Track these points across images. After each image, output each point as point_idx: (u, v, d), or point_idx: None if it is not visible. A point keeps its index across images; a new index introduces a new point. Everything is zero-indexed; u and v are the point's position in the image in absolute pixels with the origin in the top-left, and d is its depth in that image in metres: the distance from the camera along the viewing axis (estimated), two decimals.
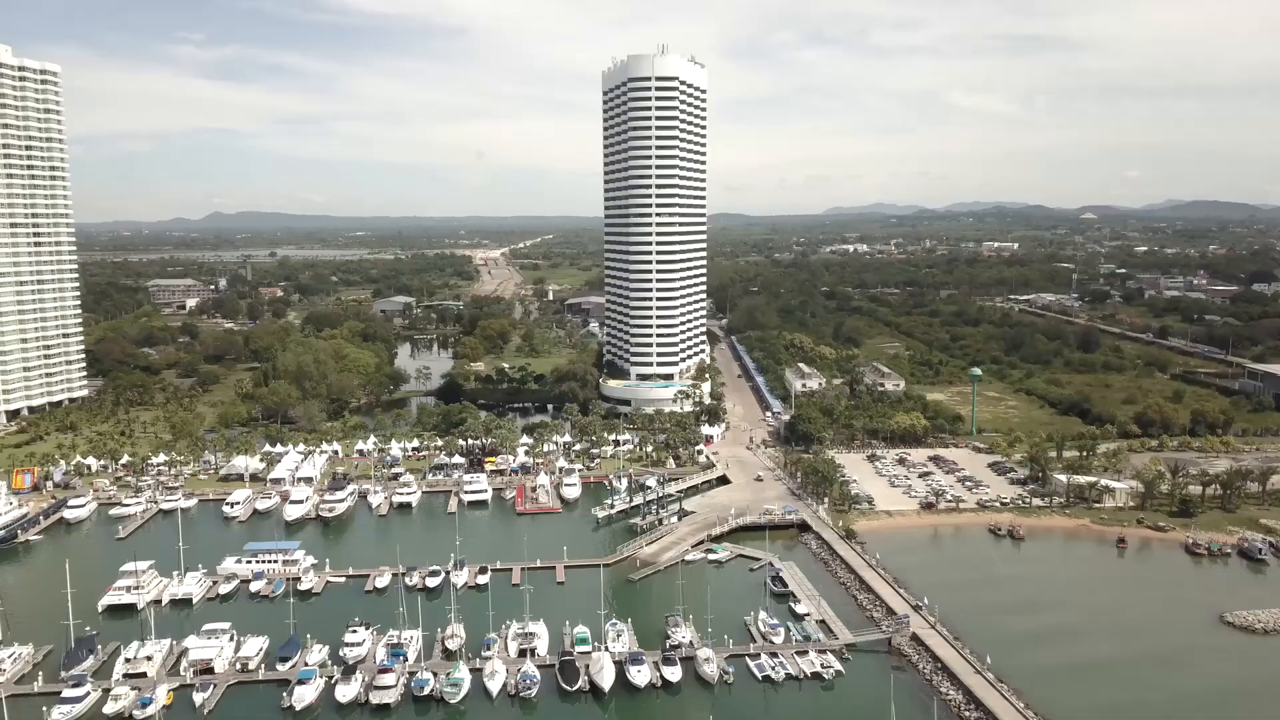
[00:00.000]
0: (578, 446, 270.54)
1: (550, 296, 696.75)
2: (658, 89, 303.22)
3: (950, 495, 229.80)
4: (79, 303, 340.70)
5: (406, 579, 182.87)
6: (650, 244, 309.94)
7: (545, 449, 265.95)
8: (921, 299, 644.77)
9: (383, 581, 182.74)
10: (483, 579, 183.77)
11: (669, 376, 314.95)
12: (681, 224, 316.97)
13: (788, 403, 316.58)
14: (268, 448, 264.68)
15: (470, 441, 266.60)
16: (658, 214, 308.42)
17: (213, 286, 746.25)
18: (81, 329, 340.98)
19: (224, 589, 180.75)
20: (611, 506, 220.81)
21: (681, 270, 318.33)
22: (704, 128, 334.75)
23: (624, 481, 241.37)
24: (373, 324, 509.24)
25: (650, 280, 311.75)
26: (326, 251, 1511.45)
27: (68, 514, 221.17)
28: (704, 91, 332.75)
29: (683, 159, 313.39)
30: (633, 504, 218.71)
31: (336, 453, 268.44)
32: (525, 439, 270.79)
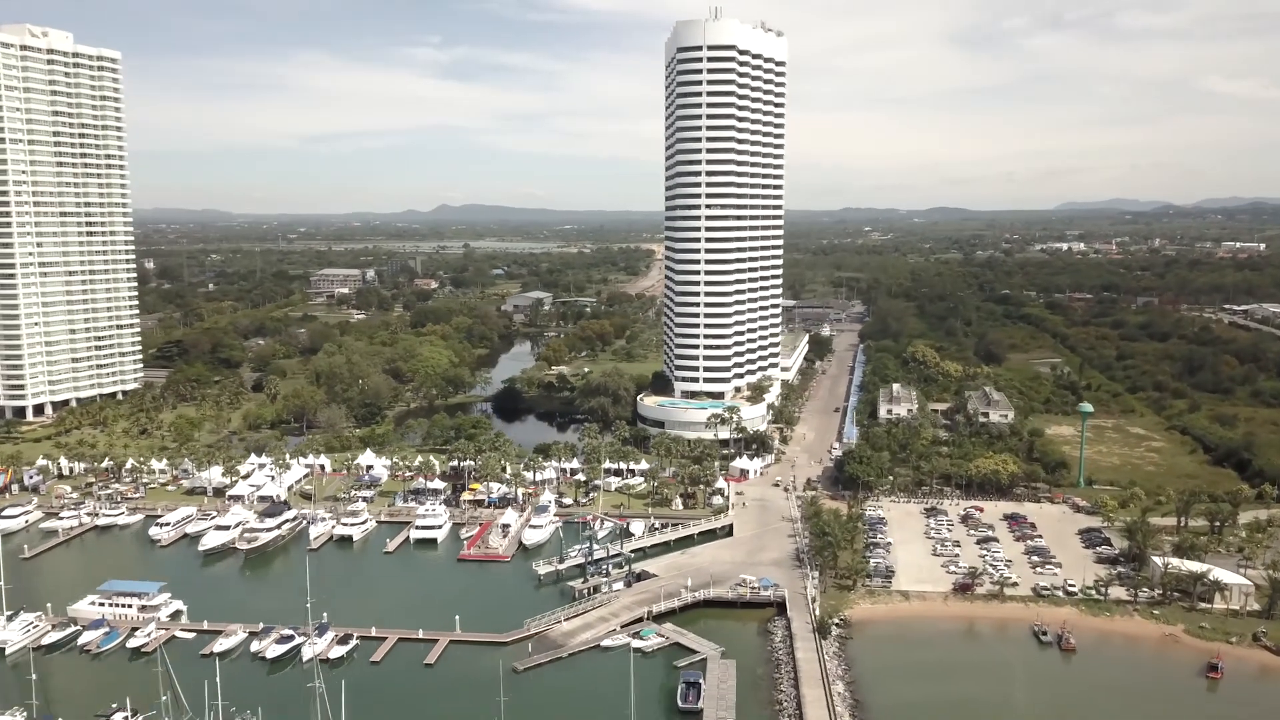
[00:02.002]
0: (581, 476, 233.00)
1: None
2: (711, 60, 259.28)
3: (1002, 574, 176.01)
4: (135, 293, 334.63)
5: (257, 641, 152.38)
6: (698, 240, 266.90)
7: (539, 477, 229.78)
8: (1112, 307, 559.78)
9: (227, 643, 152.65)
10: (339, 650, 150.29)
11: (719, 395, 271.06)
12: (739, 217, 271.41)
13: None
14: (254, 458, 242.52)
15: (461, 463, 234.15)
16: (708, 205, 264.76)
17: (366, 277, 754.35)
18: (137, 320, 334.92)
19: (52, 638, 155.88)
20: (560, 561, 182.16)
21: (737, 270, 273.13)
22: (779, 106, 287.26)
23: (600, 525, 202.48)
24: (482, 321, 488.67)
25: (696, 281, 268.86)
26: (525, 244, 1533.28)
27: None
28: (781, 64, 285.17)
29: (742, 141, 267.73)
30: (586, 559, 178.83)
31: (323, 467, 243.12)
32: (542, 461, 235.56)
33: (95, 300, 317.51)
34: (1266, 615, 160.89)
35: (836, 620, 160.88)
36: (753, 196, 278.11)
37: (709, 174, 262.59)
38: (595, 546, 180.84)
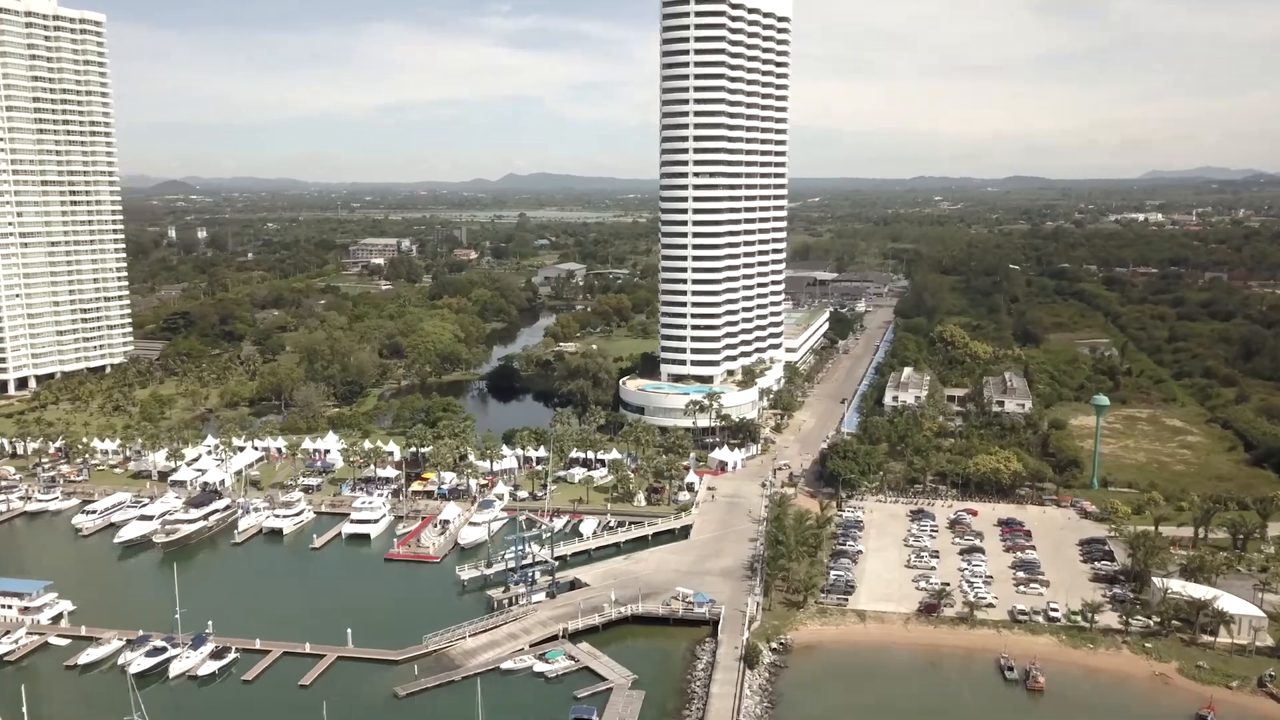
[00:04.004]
0: (542, 467, 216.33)
1: None
2: (699, 14, 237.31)
3: (977, 593, 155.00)
4: (123, 265, 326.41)
5: (128, 652, 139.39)
6: (685, 212, 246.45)
7: (498, 467, 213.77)
8: (1175, 282, 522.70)
9: (96, 654, 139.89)
10: (211, 665, 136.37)
11: (707, 379, 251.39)
12: (731, 187, 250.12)
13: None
14: (210, 440, 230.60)
15: (421, 449, 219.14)
16: (695, 175, 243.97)
17: (400, 247, 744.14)
18: (125, 292, 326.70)
19: None
20: (489, 565, 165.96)
21: (729, 245, 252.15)
22: (781, 66, 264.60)
23: (548, 522, 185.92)
24: (503, 294, 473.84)
25: (683, 257, 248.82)
26: (584, 213, 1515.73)
27: None
28: (784, 20, 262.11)
29: (735, 105, 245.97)
30: (515, 565, 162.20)
31: (280, 451, 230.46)
32: (503, 449, 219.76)
33: (80, 272, 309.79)
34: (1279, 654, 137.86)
35: (774, 645, 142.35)
36: (749, 164, 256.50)
37: (697, 139, 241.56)
38: (523, 550, 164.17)
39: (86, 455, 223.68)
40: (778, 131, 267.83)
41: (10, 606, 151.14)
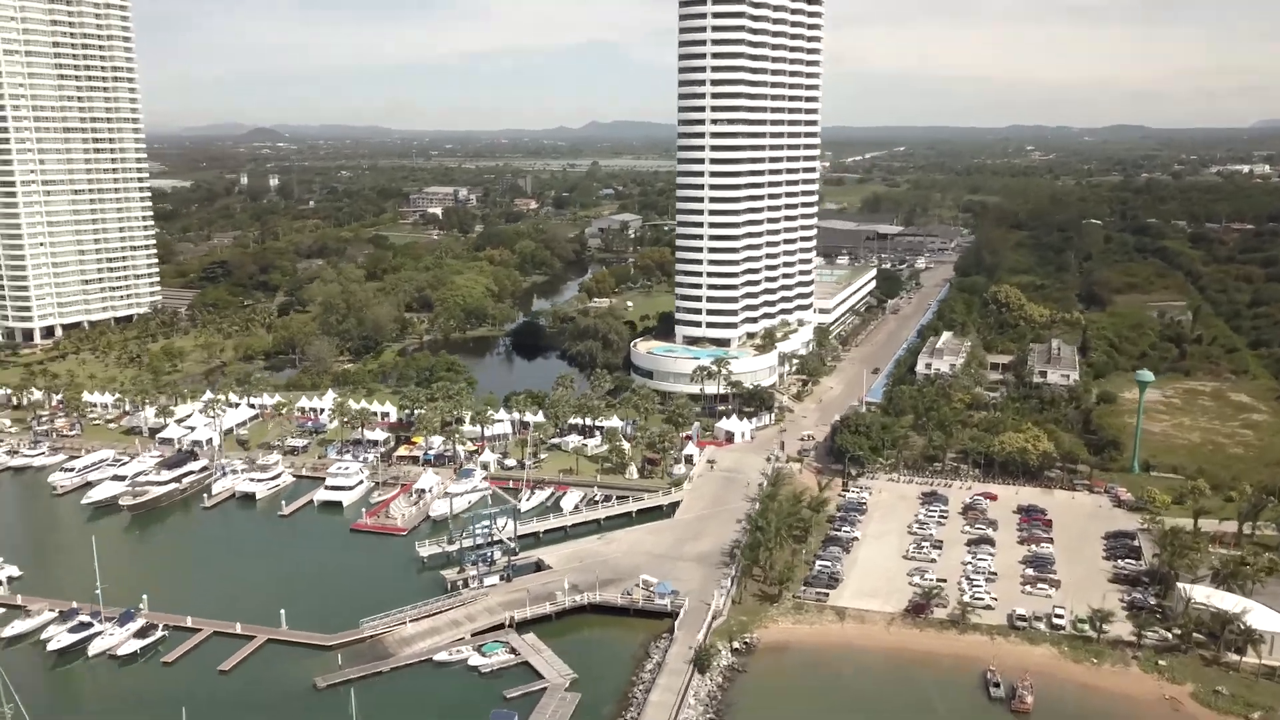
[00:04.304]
0: (530, 435, 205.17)
1: None
2: None
3: (975, 592, 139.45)
4: (149, 213, 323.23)
5: (55, 625, 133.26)
6: (701, 161, 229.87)
7: (491, 432, 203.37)
8: (1271, 240, 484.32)
9: (23, 626, 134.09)
10: (134, 644, 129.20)
11: (723, 342, 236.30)
12: (753, 134, 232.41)
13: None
14: (209, 395, 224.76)
15: (415, 411, 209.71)
16: (713, 120, 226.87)
17: (458, 196, 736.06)
18: (152, 240, 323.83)
19: None
20: (450, 542, 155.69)
21: (750, 198, 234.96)
22: (814, 5, 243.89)
23: (529, 495, 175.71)
24: (548, 245, 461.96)
25: (700, 210, 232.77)
26: (659, 162, 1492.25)
27: None
28: None
29: (757, 46, 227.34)
30: (473, 544, 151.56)
31: (275, 409, 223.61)
32: (497, 414, 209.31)
33: (105, 220, 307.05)
34: None
35: (736, 645, 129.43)
36: (775, 112, 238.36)
37: (715, 82, 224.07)
38: (489, 527, 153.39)
39: (81, 409, 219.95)
40: (809, 75, 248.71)
41: None
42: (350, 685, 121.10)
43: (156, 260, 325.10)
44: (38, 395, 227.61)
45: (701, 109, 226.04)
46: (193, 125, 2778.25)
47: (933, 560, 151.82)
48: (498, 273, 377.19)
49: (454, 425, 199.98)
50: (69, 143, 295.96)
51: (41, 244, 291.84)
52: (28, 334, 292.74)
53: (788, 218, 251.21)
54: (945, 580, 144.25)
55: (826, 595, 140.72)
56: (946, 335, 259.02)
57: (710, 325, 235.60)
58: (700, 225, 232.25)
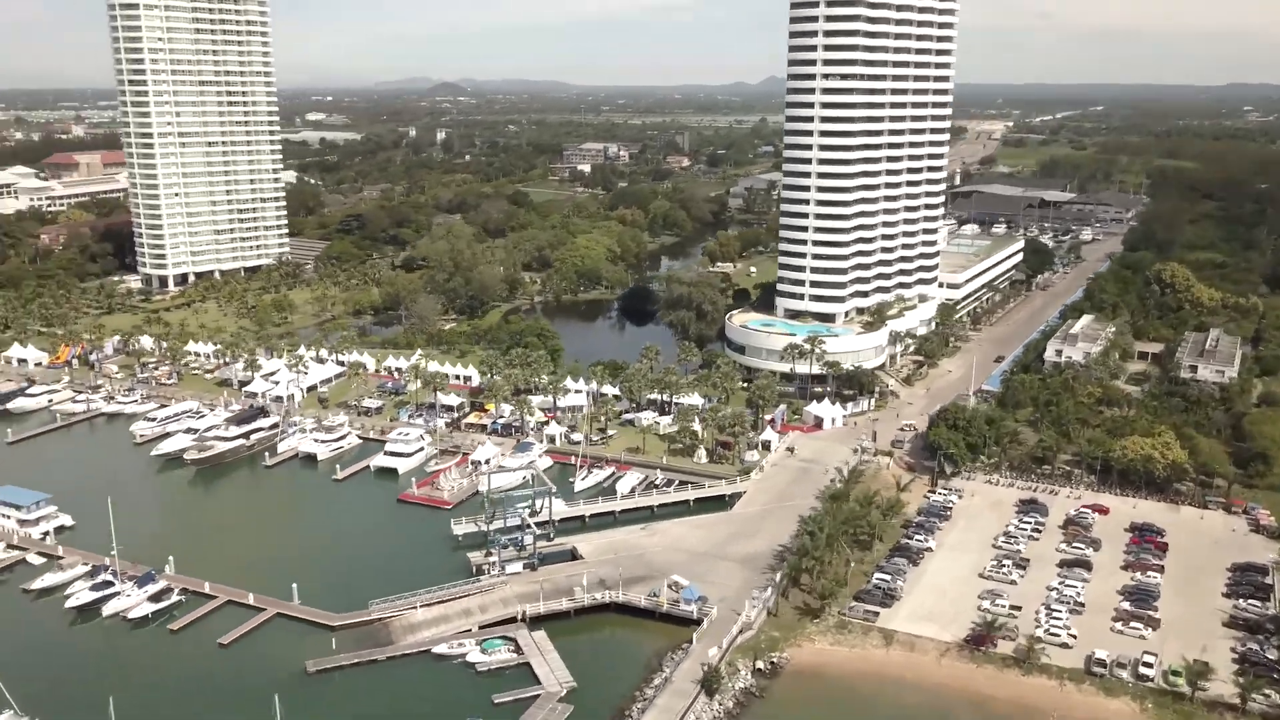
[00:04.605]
0: (619, 408, 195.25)
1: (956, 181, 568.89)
2: None
3: (1050, 626, 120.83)
4: (279, 165, 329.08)
5: (81, 581, 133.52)
6: (810, 119, 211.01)
7: (564, 403, 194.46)
8: None
9: (53, 579, 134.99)
10: (148, 608, 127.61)
11: (827, 318, 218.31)
12: (871, 90, 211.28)
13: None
14: (300, 351, 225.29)
15: (490, 376, 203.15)
16: (824, 74, 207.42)
17: (607, 153, 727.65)
18: (281, 192, 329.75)
19: None
20: (490, 521, 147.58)
21: (864, 160, 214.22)
22: None
23: (585, 473, 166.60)
24: (684, 206, 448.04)
25: (807, 173, 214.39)
26: None
27: (18, 403, 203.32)
28: None
29: None
30: (505, 525, 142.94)
31: (365, 366, 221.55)
32: (574, 383, 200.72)
33: (236, 172, 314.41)
34: None
35: (760, 665, 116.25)
36: (897, 64, 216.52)
37: (828, 33, 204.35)
38: (529, 507, 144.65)
39: (181, 359, 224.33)
40: (940, 27, 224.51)
41: (9, 516, 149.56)
42: (343, 671, 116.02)
43: (285, 212, 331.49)
44: (147, 343, 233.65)
45: (812, 61, 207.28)
46: (386, 80, 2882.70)
47: (1012, 582, 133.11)
48: (623, 233, 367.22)
49: (524, 395, 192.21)
50: (204, 96, 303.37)
51: (176, 194, 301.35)
52: (163, 281, 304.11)
53: (910, 182, 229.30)
54: (1020, 608, 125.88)
55: (876, 615, 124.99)
56: (1087, 319, 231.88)
57: (814, 298, 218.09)
58: (806, 189, 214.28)
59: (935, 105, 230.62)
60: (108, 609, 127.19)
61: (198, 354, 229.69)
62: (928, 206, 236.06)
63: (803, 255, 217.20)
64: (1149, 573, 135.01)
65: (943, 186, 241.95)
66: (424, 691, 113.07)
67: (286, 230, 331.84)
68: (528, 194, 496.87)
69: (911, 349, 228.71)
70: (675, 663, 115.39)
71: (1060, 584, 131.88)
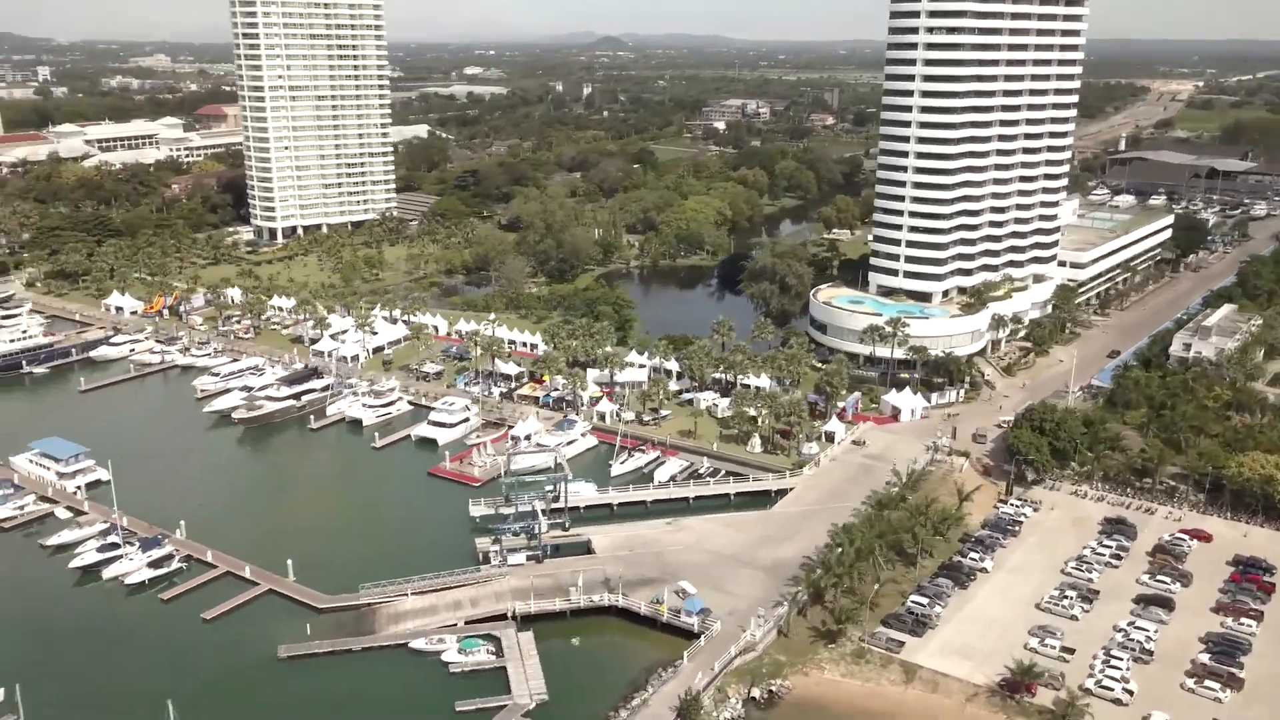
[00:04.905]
0: (675, 385, 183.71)
1: (1121, 148, 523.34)
2: None
3: (1107, 676, 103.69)
4: (387, 120, 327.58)
5: (94, 540, 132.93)
6: (912, 77, 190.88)
7: (620, 379, 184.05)
8: None
9: (68, 536, 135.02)
10: (147, 574, 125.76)
11: (923, 297, 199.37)
12: (983, 47, 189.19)
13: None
14: (375, 311, 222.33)
15: (551, 346, 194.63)
16: (928, 27, 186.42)
17: (745, 110, 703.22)
18: (389, 147, 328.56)
19: None
20: (508, 503, 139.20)
21: (972, 124, 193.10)
22: None
23: (623, 457, 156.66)
24: (812, 168, 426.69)
25: (905, 136, 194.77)
26: None
27: (101, 351, 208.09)
28: None
29: None
30: (518, 511, 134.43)
31: (436, 329, 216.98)
32: (637, 358, 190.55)
33: (345, 126, 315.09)
34: None
35: (756, 693, 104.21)
36: (1015, 17, 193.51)
37: None
38: (549, 492, 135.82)
39: (262, 313, 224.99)
40: None
41: (49, 468, 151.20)
42: (316, 659, 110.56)
43: (392, 167, 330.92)
44: (235, 295, 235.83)
45: (915, 13, 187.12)
46: (551, 33, 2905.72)
47: (1073, 617, 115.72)
48: (738, 195, 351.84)
49: (581, 368, 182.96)
50: (314, 49, 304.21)
51: (286, 148, 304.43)
52: (272, 233, 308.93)
53: (1028, 149, 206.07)
54: (1074, 650, 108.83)
55: (902, 645, 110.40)
56: (1228, 308, 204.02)
57: (909, 275, 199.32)
58: (904, 154, 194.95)
59: (1061, 64, 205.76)
60: (108, 572, 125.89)
61: (280, 309, 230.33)
62: (1048, 176, 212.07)
63: (898, 228, 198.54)
64: (1243, 619, 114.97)
65: (1067, 154, 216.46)
66: (390, 689, 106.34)
67: (393, 185, 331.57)
68: (653, 152, 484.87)
69: (1021, 334, 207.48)
70: (660, 682, 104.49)
71: (1130, 624, 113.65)
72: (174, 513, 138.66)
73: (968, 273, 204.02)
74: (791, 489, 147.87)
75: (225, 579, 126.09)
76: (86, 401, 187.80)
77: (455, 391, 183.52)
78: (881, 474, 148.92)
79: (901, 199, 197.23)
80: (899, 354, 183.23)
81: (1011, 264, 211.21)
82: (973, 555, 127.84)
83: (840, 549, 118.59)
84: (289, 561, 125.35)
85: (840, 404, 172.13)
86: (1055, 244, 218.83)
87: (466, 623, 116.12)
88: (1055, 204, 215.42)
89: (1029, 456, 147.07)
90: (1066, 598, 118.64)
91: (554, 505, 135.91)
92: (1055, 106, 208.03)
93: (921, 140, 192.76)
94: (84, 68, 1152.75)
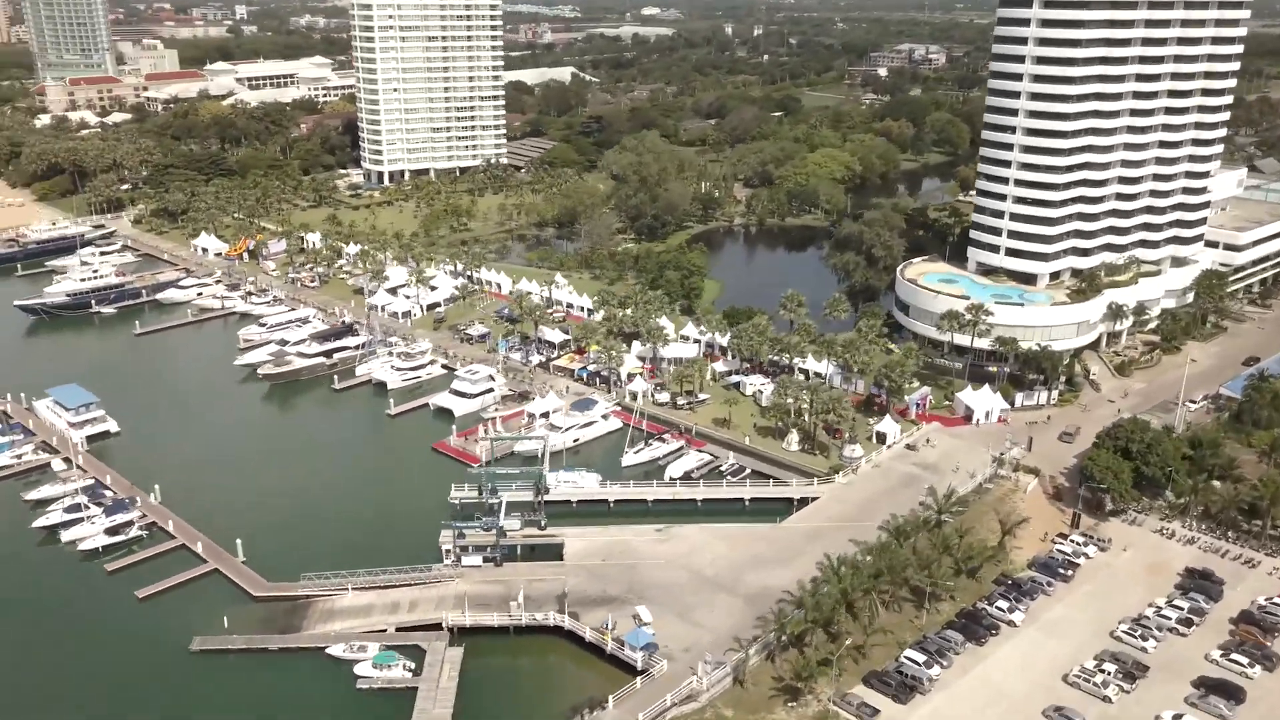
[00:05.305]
0: (719, 366, 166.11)
1: None
2: None
3: None
4: (499, 63, 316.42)
5: (64, 499, 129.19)
6: (1027, 21, 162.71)
7: (667, 354, 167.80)
8: None
9: (46, 491, 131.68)
10: (101, 540, 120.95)
11: (1028, 279, 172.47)
12: (1110, 3, 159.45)
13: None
14: (437, 267, 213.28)
15: (608, 313, 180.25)
16: None
17: (913, 56, 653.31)
18: (500, 91, 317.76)
19: None
20: (494, 492, 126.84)
21: (1098, 78, 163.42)
22: None
23: (635, 444, 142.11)
24: (966, 120, 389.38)
25: (1015, 90, 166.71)
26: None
27: (168, 294, 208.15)
28: None
29: None
30: (491, 504, 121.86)
31: (499, 287, 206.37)
32: (691, 331, 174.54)
33: (455, 69, 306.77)
34: None
35: None
36: None
37: None
38: (538, 482, 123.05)
39: (334, 261, 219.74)
40: None
41: (61, 415, 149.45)
42: (227, 657, 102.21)
43: (504, 112, 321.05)
44: (315, 241, 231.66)
45: None
46: None
47: (1106, 698, 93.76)
48: (872, 149, 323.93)
49: (627, 339, 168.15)
50: None
51: (395, 90, 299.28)
52: (380, 177, 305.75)
53: (1171, 109, 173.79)
54: None
55: (875, 714, 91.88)
56: None
57: (1011, 254, 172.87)
58: (1013, 111, 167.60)
59: (1220, 6, 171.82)
60: (66, 535, 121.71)
61: (352, 257, 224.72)
62: (1197, 142, 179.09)
63: (1002, 198, 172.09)
64: None
65: (1224, 115, 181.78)
66: (288, 700, 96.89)
67: (504, 131, 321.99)
68: (799, 100, 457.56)
69: (1149, 326, 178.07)
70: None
71: (1177, 717, 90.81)
72: (162, 473, 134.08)
73: (1085, 253, 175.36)
74: (816, 498, 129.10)
75: (179, 552, 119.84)
76: (137, 346, 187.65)
77: (492, 359, 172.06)
78: (926, 486, 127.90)
79: (1007, 164, 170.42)
80: (983, 344, 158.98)
81: (1143, 244, 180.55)
82: (1001, 603, 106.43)
83: (814, 591, 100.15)
84: (238, 541, 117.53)
85: (910, 398, 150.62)
86: (1202, 222, 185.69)
87: (398, 630, 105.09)
88: (1204, 174, 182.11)
89: (1105, 484, 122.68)
90: (1104, 671, 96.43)
91: (544, 499, 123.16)
92: (1211, 58, 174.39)
93: (1035, 96, 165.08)
94: (282, 6, 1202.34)
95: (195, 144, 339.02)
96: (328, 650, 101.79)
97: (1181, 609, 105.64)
